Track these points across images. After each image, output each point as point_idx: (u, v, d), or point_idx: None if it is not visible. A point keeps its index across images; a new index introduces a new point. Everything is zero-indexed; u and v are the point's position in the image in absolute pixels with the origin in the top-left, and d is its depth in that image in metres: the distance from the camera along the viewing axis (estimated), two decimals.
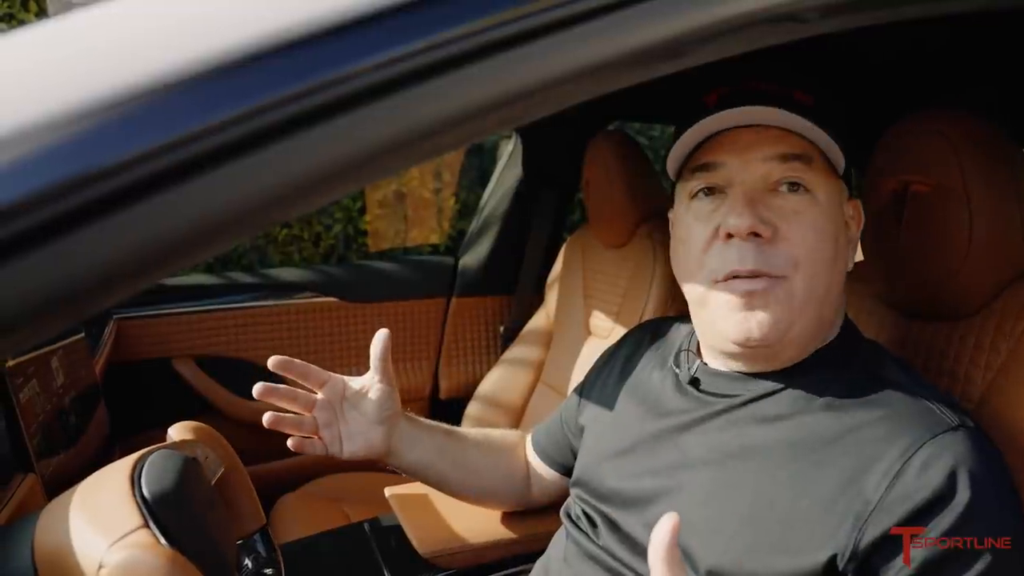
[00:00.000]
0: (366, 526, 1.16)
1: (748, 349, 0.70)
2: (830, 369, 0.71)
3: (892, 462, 0.61)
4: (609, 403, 0.89)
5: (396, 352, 0.95)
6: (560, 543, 0.87)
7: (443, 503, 1.08)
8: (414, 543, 1.04)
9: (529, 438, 1.07)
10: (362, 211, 3.11)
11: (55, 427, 1.09)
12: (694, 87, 0.74)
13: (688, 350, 0.82)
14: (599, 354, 1.01)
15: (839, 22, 0.51)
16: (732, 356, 0.74)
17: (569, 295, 1.73)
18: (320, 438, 0.89)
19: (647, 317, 1.44)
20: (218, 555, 0.64)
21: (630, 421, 0.83)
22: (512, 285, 2.08)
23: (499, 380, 1.81)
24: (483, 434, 1.05)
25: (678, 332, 0.90)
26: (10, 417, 0.96)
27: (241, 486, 0.77)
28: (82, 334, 1.30)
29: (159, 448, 0.66)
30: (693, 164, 0.73)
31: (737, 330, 0.69)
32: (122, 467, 0.61)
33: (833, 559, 0.61)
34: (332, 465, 1.56)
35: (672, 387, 0.80)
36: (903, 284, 0.83)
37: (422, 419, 0.98)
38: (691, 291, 0.74)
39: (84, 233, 0.32)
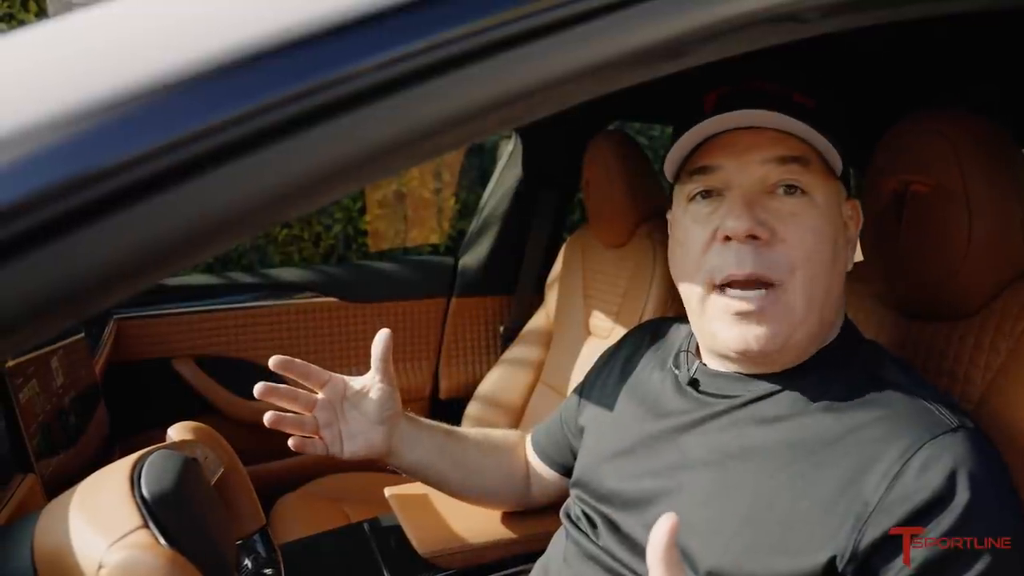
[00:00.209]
0: (366, 526, 1.16)
1: (747, 357, 0.71)
2: (830, 370, 0.71)
3: (891, 463, 0.61)
4: (609, 404, 0.89)
5: (396, 352, 0.94)
6: (560, 543, 0.87)
7: (443, 503, 1.08)
8: (414, 543, 1.04)
9: (529, 438, 1.07)
10: (362, 211, 3.11)
11: (55, 427, 1.09)
12: (694, 87, 0.74)
13: (687, 351, 0.82)
14: (599, 354, 1.01)
15: (840, 22, 0.51)
16: (731, 360, 0.74)
17: (569, 295, 1.73)
18: (321, 438, 0.89)
19: (647, 317, 1.44)
20: (218, 555, 0.64)
21: (630, 422, 0.83)
22: (512, 285, 2.08)
23: (499, 380, 1.81)
24: (483, 434, 1.05)
25: (678, 333, 0.90)
26: (10, 417, 0.96)
27: (241, 486, 0.77)
28: (82, 334, 1.30)
29: (159, 448, 0.66)
30: (691, 167, 0.74)
31: (736, 342, 0.69)
32: (122, 467, 0.61)
33: (833, 560, 0.61)
34: (332, 465, 1.56)
35: (672, 388, 0.80)
36: (903, 284, 0.83)
37: (422, 419, 0.98)
38: (689, 294, 0.74)
39: (84, 233, 0.32)
